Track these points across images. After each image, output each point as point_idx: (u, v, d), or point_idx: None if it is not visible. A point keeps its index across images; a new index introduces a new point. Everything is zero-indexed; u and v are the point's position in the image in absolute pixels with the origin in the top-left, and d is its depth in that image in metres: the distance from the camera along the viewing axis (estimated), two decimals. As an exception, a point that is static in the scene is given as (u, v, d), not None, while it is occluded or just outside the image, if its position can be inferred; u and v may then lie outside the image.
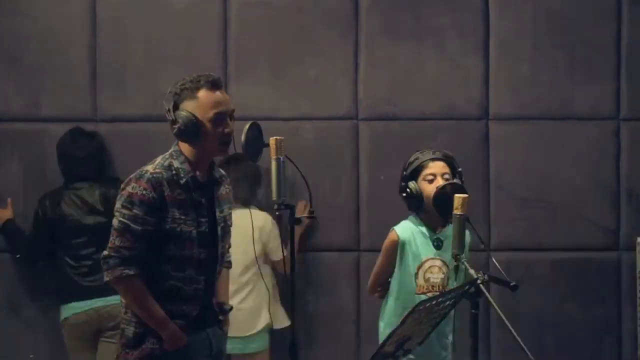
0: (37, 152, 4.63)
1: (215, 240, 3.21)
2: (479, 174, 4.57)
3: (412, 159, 3.73)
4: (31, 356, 4.62)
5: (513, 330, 2.93)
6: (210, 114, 3.10)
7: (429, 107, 4.65)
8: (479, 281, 3.04)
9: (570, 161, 4.64)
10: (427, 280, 3.67)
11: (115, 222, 3.09)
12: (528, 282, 4.49)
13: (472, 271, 3.12)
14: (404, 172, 3.73)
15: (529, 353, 2.86)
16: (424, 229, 3.71)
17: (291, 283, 3.14)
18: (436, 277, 3.67)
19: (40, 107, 4.65)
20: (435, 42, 4.65)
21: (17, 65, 4.65)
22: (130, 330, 3.13)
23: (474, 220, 3.37)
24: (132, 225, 3.05)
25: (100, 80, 4.65)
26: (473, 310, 3.08)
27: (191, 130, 3.08)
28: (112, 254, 3.07)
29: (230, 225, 3.31)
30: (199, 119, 3.08)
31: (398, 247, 3.69)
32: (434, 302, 3.00)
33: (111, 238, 3.08)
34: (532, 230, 4.63)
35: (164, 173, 3.10)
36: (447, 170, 3.68)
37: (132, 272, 3.05)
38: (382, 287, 3.79)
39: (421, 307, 2.92)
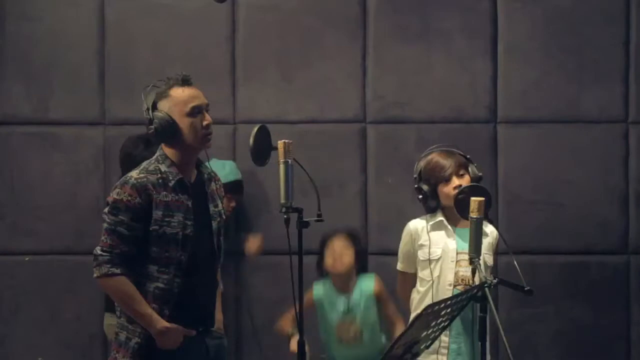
0: (46, 155, 4.65)
1: (210, 238, 3.23)
2: (487, 177, 4.55)
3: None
4: (39, 359, 4.64)
5: (504, 337, 2.93)
6: (187, 108, 3.15)
7: (437, 110, 4.65)
8: (485, 285, 3.03)
9: (578, 164, 4.63)
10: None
11: (104, 224, 3.13)
12: (535, 286, 4.45)
13: (482, 274, 3.11)
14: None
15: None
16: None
17: (299, 287, 3.14)
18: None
19: (49, 111, 4.66)
20: (443, 45, 4.65)
21: (26, 69, 4.67)
22: (122, 335, 3.16)
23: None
24: (118, 228, 3.09)
25: (108, 83, 4.66)
26: (481, 314, 3.08)
27: (167, 130, 3.13)
28: (102, 252, 3.10)
29: (226, 220, 3.35)
30: (175, 117, 3.13)
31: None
32: (442, 306, 3.00)
33: (102, 237, 3.12)
34: (540, 233, 4.62)
35: (148, 177, 3.13)
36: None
37: (118, 271, 3.08)
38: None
39: (429, 311, 2.91)
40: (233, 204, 4.33)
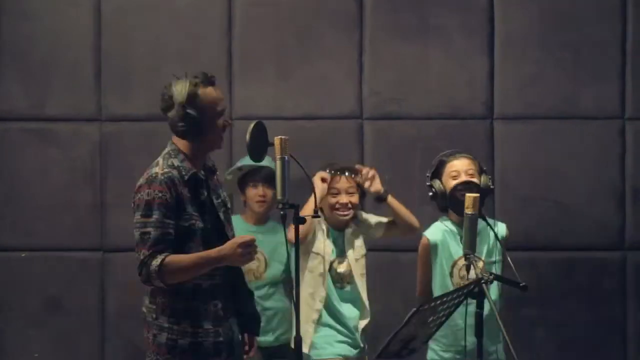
0: (42, 152, 4.64)
1: (222, 230, 3.21)
2: (483, 173, 4.57)
3: (436, 158, 3.75)
4: (35, 355, 4.63)
5: (506, 334, 2.93)
6: (216, 110, 3.17)
7: (433, 107, 4.65)
8: (482, 281, 3.04)
9: (575, 161, 4.63)
10: (462, 277, 3.66)
11: (136, 234, 3.08)
12: (532, 282, 4.46)
13: (477, 270, 3.12)
14: (428, 174, 3.74)
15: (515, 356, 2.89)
16: (453, 228, 3.70)
17: (296, 284, 3.13)
18: (472, 273, 3.64)
19: (45, 107, 4.66)
20: (440, 42, 4.64)
21: (23, 65, 4.66)
22: (163, 337, 3.12)
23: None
24: (153, 231, 3.05)
25: (105, 79, 4.66)
26: (478, 310, 3.08)
27: (196, 128, 3.13)
28: (143, 259, 3.04)
29: (230, 208, 3.35)
30: (206, 115, 3.14)
31: (430, 250, 3.71)
32: (438, 302, 3.00)
33: (138, 244, 3.07)
34: (537, 229, 4.63)
35: (172, 171, 3.12)
36: (471, 167, 3.67)
37: (158, 261, 3.01)
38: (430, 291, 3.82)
39: (426, 307, 2.91)
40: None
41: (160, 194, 3.06)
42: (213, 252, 3.07)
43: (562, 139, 4.64)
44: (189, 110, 3.11)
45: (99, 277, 4.64)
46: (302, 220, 3.16)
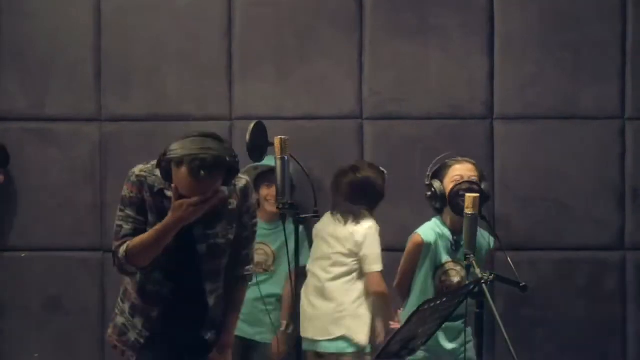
0: (42, 151, 4.64)
1: (191, 257, 3.15)
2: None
3: (439, 159, 3.76)
4: (35, 355, 4.63)
5: (505, 333, 2.94)
6: (177, 192, 3.01)
7: (433, 107, 4.65)
8: (483, 281, 3.04)
9: (575, 160, 4.63)
10: (443, 282, 3.68)
11: (115, 224, 3.19)
12: (532, 282, 4.47)
13: (478, 270, 3.12)
14: (429, 173, 3.74)
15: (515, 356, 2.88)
16: (446, 232, 3.71)
17: (295, 284, 3.14)
18: (452, 279, 3.67)
19: (45, 107, 4.66)
20: (440, 41, 4.64)
21: (22, 64, 4.66)
22: (119, 320, 3.29)
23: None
24: (124, 223, 3.14)
25: (104, 79, 4.66)
26: (478, 310, 3.08)
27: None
28: (114, 249, 3.14)
29: (226, 243, 3.18)
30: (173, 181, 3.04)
31: (422, 249, 3.72)
32: (438, 302, 3.00)
33: (114, 234, 3.17)
34: (537, 229, 4.63)
35: (148, 176, 3.13)
36: (475, 173, 3.69)
37: (125, 247, 3.10)
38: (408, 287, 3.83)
39: (426, 307, 2.91)
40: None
41: (132, 193, 3.13)
42: (168, 218, 3.04)
43: (562, 139, 4.64)
44: (158, 168, 3.05)
45: (99, 277, 4.64)
46: (303, 220, 3.16)
